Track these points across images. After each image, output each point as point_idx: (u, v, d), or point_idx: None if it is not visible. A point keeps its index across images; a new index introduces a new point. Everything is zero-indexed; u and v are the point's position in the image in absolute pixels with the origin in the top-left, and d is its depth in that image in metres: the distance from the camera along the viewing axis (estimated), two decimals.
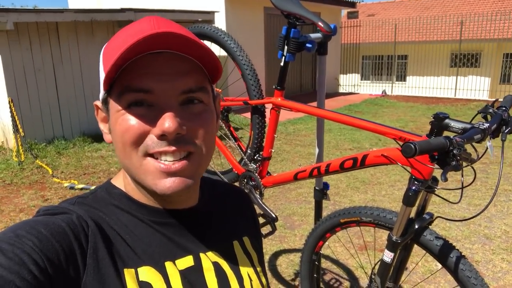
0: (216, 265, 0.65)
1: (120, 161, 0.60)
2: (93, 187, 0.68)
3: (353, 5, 13.04)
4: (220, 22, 8.75)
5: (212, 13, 8.07)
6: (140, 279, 0.56)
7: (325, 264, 2.76)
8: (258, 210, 1.48)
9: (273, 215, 1.70)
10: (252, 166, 1.78)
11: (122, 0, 10.32)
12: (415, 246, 1.35)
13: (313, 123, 7.58)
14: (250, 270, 0.69)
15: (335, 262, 2.81)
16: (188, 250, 0.63)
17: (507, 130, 1.08)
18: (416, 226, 1.25)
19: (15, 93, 5.74)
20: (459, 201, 1.12)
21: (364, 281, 2.59)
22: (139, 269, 0.57)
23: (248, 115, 1.86)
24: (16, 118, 5.63)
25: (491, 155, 1.02)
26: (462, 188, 1.06)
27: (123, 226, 0.59)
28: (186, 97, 0.57)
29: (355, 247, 2.96)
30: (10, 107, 5.64)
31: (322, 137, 1.78)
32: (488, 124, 1.04)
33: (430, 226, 1.31)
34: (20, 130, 5.62)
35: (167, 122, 0.54)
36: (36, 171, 4.95)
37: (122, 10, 6.53)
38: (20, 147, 5.50)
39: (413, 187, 1.16)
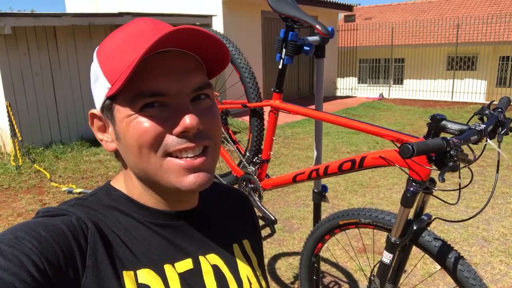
0: (215, 268, 0.64)
1: (133, 165, 0.60)
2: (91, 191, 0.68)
3: (350, 8, 13.11)
4: (217, 26, 8.78)
5: (209, 17, 8.10)
6: (139, 282, 0.56)
7: (324, 266, 2.76)
8: (257, 213, 1.49)
9: (272, 218, 1.71)
10: (251, 168, 1.79)
11: (120, 4, 10.35)
12: (414, 248, 1.36)
13: (311, 127, 7.60)
14: (250, 274, 0.69)
15: (334, 264, 2.81)
16: (188, 253, 0.63)
17: (503, 132, 1.09)
18: (415, 227, 1.26)
19: (13, 97, 5.73)
20: (457, 203, 1.13)
21: (363, 283, 2.59)
22: (138, 272, 0.57)
23: (246, 118, 1.87)
24: (14, 123, 5.62)
25: (499, 151, 1.02)
26: (460, 189, 1.07)
27: (122, 228, 0.59)
28: (196, 94, 0.58)
29: (354, 249, 2.96)
30: (7, 111, 5.63)
31: (321, 140, 1.79)
32: (485, 126, 1.05)
33: (428, 228, 1.32)
34: (18, 135, 5.61)
35: (188, 118, 0.54)
36: (34, 176, 4.93)
37: (120, 14, 6.55)
38: (18, 152, 5.49)
39: (411, 189, 1.17)
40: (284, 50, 1.56)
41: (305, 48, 1.51)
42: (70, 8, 12.65)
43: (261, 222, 1.72)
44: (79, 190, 4.39)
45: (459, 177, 1.07)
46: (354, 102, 11.43)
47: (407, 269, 2.57)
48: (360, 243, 3.05)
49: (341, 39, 14.94)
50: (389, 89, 13.73)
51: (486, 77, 14.26)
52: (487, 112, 1.14)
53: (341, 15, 15.73)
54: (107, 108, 0.59)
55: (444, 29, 14.40)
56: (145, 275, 0.57)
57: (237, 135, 6.28)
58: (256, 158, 1.79)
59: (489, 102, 1.21)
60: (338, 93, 13.97)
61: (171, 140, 0.56)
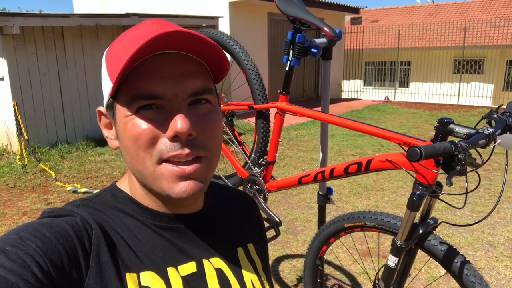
0: (219, 272, 0.64)
1: (130, 166, 0.60)
2: (96, 191, 0.68)
3: (356, 11, 13.09)
4: (224, 27, 8.81)
5: (216, 18, 8.12)
6: (142, 284, 0.56)
7: (328, 269, 2.75)
8: (262, 214, 1.49)
9: (277, 220, 1.71)
10: (256, 170, 1.79)
11: (127, 5, 10.41)
12: (418, 252, 1.35)
13: (316, 129, 7.59)
14: (254, 278, 0.68)
15: (339, 267, 2.80)
16: (191, 256, 0.62)
17: None
18: (421, 231, 1.25)
19: (20, 96, 5.78)
20: (463, 207, 1.12)
21: (367, 286, 2.58)
22: (141, 274, 0.57)
23: (251, 120, 1.87)
24: (20, 122, 5.66)
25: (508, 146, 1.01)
26: (466, 193, 1.06)
27: (126, 230, 0.59)
28: (194, 99, 0.57)
29: (358, 252, 2.95)
30: (14, 111, 5.68)
31: (326, 142, 1.78)
32: (493, 130, 1.04)
33: (434, 232, 1.31)
34: (24, 134, 5.65)
35: (179, 122, 0.54)
36: (39, 175, 4.97)
37: (127, 15, 6.58)
38: (24, 151, 5.53)
39: (418, 192, 1.16)
40: (291, 52, 1.56)
41: (313, 50, 1.51)
42: (78, 9, 12.73)
43: (265, 224, 1.72)
44: (84, 189, 4.41)
45: (466, 181, 1.06)
46: (359, 105, 11.40)
47: (411, 273, 2.55)
48: (365, 246, 3.04)
49: (347, 42, 14.93)
50: (395, 92, 13.68)
51: (493, 81, 14.16)
52: (495, 116, 1.14)
53: (348, 17, 15.72)
54: (110, 106, 0.59)
55: (451, 32, 14.34)
56: (148, 277, 0.57)
57: (242, 136, 6.28)
58: (261, 159, 1.79)
59: (497, 106, 1.20)
60: (344, 96, 13.94)
61: (164, 146, 0.55)
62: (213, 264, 0.64)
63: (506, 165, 1.07)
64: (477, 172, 1.02)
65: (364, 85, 16.37)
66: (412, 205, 1.18)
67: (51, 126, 6.22)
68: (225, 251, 0.67)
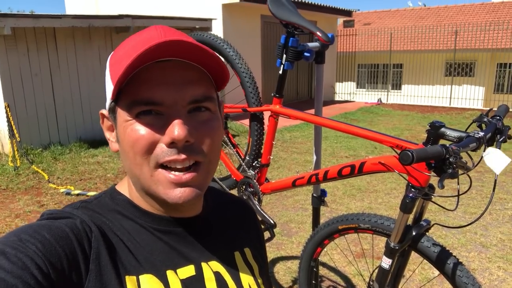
0: (217, 275, 0.64)
1: (129, 170, 0.60)
2: (89, 193, 0.68)
3: (349, 13, 13.18)
4: (217, 29, 8.81)
5: (209, 20, 8.12)
6: (141, 287, 0.56)
7: (323, 271, 2.76)
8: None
9: (272, 221, 1.71)
10: (251, 172, 1.80)
11: (120, 6, 10.37)
12: (412, 254, 1.37)
13: (310, 131, 7.62)
14: (252, 282, 0.69)
15: (333, 269, 2.81)
16: (190, 259, 0.63)
17: (501, 139, 1.11)
18: (414, 233, 1.26)
19: (12, 98, 5.73)
20: (455, 209, 1.14)
21: (362, 285, 2.59)
22: (140, 277, 0.57)
23: (245, 122, 1.88)
24: (12, 123, 5.61)
25: (491, 166, 1.03)
26: (458, 195, 1.08)
27: (126, 233, 0.59)
28: (194, 106, 0.58)
29: (353, 254, 2.97)
30: (6, 112, 5.63)
31: (320, 144, 1.79)
32: (483, 133, 1.06)
33: (427, 233, 1.33)
34: (16, 135, 5.60)
35: (176, 129, 0.54)
36: (32, 177, 4.92)
37: (120, 16, 6.56)
38: (16, 152, 5.48)
39: (410, 194, 1.18)
40: (284, 55, 1.58)
41: (306, 54, 1.53)
42: (70, 10, 12.66)
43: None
44: (77, 191, 4.38)
45: (458, 184, 1.08)
46: (352, 107, 11.47)
47: (405, 274, 2.57)
48: (359, 247, 3.06)
49: (340, 44, 15.01)
50: (388, 94, 13.78)
51: (484, 84, 14.33)
52: (485, 119, 1.15)
53: (340, 20, 15.81)
54: (112, 110, 0.60)
55: (442, 36, 14.49)
56: (147, 280, 0.57)
57: (236, 138, 6.28)
58: (255, 162, 1.80)
59: (487, 110, 1.22)
60: (337, 98, 14.01)
61: (161, 151, 0.56)
62: (212, 268, 0.64)
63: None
64: (468, 175, 1.03)
65: (357, 88, 16.47)
66: (405, 207, 1.19)
67: (43, 128, 6.18)
68: (223, 254, 0.68)
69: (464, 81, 14.34)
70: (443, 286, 2.55)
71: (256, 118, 1.76)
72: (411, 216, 1.28)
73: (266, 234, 1.76)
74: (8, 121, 5.61)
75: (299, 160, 5.80)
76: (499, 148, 1.08)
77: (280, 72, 1.64)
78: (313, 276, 1.77)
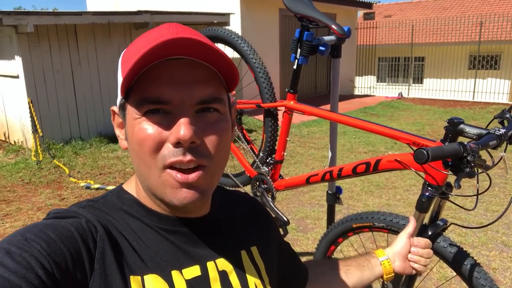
0: (222, 275, 0.64)
1: (137, 169, 0.60)
2: (109, 187, 0.69)
3: (369, 6, 12.93)
4: (235, 24, 8.79)
5: (227, 15, 8.11)
6: (146, 287, 0.56)
7: None
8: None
9: (285, 219, 1.70)
10: (265, 169, 1.78)
11: (140, 2, 10.47)
12: None
13: (327, 126, 7.48)
14: (258, 281, 0.68)
15: None
16: (196, 259, 0.62)
17: None
18: (430, 233, 1.23)
19: (35, 94, 5.87)
20: (474, 208, 1.10)
21: (376, 287, 2.56)
22: (145, 277, 0.57)
23: (261, 117, 1.86)
24: (35, 119, 5.76)
25: (506, 170, 0.99)
26: (478, 194, 1.04)
27: (131, 232, 0.59)
28: (202, 107, 0.57)
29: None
30: (29, 108, 5.78)
31: (336, 140, 1.77)
32: (505, 130, 1.01)
33: (445, 232, 1.29)
34: (39, 130, 5.74)
35: (182, 129, 0.54)
36: (53, 171, 5.05)
37: (139, 12, 6.62)
38: (39, 147, 5.62)
39: (427, 193, 1.14)
40: (299, 50, 1.55)
41: (321, 48, 1.50)
42: (91, 6, 12.87)
43: None
44: (96, 185, 4.46)
45: (477, 183, 1.04)
46: (372, 101, 11.28)
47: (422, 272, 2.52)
48: (374, 245, 3.01)
49: (360, 37, 14.75)
50: (409, 88, 13.50)
51: (510, 77, 13.85)
52: (508, 115, 1.11)
53: (361, 12, 15.54)
54: (122, 107, 0.60)
55: (466, 27, 14.05)
56: (152, 280, 0.57)
57: (252, 134, 6.28)
58: (269, 158, 1.78)
59: (510, 105, 1.17)
60: (356, 92, 13.81)
61: (168, 151, 0.55)
62: (218, 268, 0.64)
63: None
64: (487, 174, 0.99)
65: (377, 82, 16.19)
66: (421, 206, 1.16)
67: (65, 123, 6.31)
68: (229, 254, 0.67)
69: (489, 74, 13.90)
70: (462, 285, 2.48)
71: (270, 114, 1.74)
72: (428, 215, 1.24)
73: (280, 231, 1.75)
74: (31, 116, 5.76)
75: (316, 155, 5.75)
76: None
77: (295, 67, 1.61)
78: None
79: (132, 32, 6.92)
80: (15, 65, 5.82)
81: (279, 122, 1.75)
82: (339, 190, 1.85)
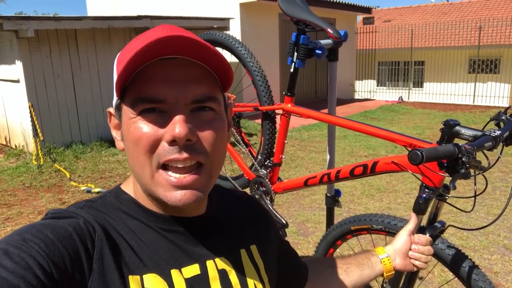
0: (222, 274, 0.64)
1: (132, 169, 0.60)
2: None
3: (368, 10, 12.98)
4: (235, 28, 8.82)
5: (227, 19, 8.14)
6: (145, 287, 0.56)
7: None
8: None
9: (284, 221, 1.70)
10: (263, 172, 1.79)
11: (139, 7, 10.52)
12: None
13: None
14: (257, 280, 0.69)
15: None
16: (195, 258, 0.62)
17: None
18: (428, 235, 1.22)
19: (35, 98, 5.89)
20: (472, 210, 1.10)
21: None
22: (144, 276, 0.56)
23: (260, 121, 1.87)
24: (36, 123, 5.77)
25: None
26: (475, 196, 1.04)
27: (130, 232, 0.59)
28: (197, 106, 0.57)
29: None
30: (30, 112, 5.79)
31: (334, 143, 1.77)
32: (500, 132, 1.02)
33: (443, 235, 1.29)
34: (40, 135, 5.76)
35: (177, 127, 0.54)
36: (54, 175, 5.05)
37: (139, 17, 6.65)
38: (40, 151, 5.63)
39: (424, 195, 1.14)
40: (295, 53, 1.56)
41: (317, 51, 1.50)
42: (92, 11, 12.93)
43: None
44: (97, 189, 4.47)
45: (475, 184, 1.04)
46: (372, 105, 11.29)
47: (423, 275, 2.51)
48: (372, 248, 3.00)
49: (360, 42, 14.79)
50: (409, 92, 13.51)
51: (510, 80, 13.83)
52: (503, 117, 1.11)
53: (360, 17, 15.59)
54: (118, 107, 0.60)
55: (465, 32, 14.07)
56: (151, 280, 0.57)
57: (252, 138, 6.28)
58: (268, 161, 1.79)
59: (506, 107, 1.17)
60: (357, 96, 13.83)
61: (163, 149, 0.56)
62: (217, 267, 0.64)
63: None
64: (483, 175, 0.99)
65: (378, 86, 16.20)
66: (418, 208, 1.16)
67: (65, 127, 6.33)
68: (228, 253, 0.67)
69: (489, 78, 13.89)
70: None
71: (268, 117, 1.75)
72: (426, 218, 1.24)
73: None
74: (32, 120, 5.77)
75: (316, 159, 5.75)
76: None
77: (292, 70, 1.62)
78: None
79: (132, 36, 6.94)
80: (16, 69, 5.84)
81: (277, 125, 1.76)
82: (338, 193, 1.85)
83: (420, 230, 1.23)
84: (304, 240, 3.24)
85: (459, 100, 12.96)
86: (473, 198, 1.04)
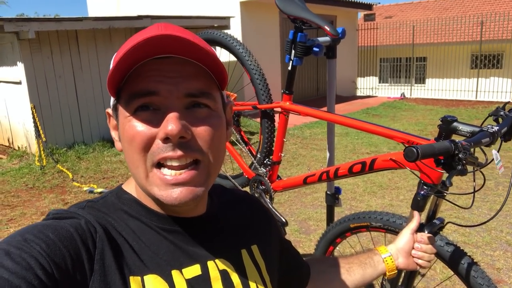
0: (223, 274, 0.64)
1: (130, 169, 0.60)
2: None
3: (369, 7, 12.94)
4: (235, 27, 8.82)
5: (227, 18, 8.13)
6: (146, 287, 0.56)
7: None
8: None
9: (283, 220, 1.70)
10: (262, 170, 1.79)
11: (140, 7, 10.53)
12: None
13: None
14: (258, 280, 0.68)
15: None
16: (196, 258, 0.62)
17: None
18: (426, 232, 1.22)
19: (37, 99, 5.91)
20: (471, 206, 1.09)
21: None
22: (145, 277, 0.56)
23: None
24: (38, 124, 5.79)
25: (497, 167, 0.99)
26: (474, 192, 1.03)
27: (131, 232, 0.59)
28: (191, 101, 0.56)
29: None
30: (32, 113, 5.81)
31: (333, 141, 1.77)
32: (498, 127, 1.01)
33: (442, 232, 1.28)
34: (42, 135, 5.78)
35: (170, 124, 0.53)
36: (57, 175, 5.07)
37: (139, 17, 6.65)
38: (42, 152, 5.65)
39: (422, 192, 1.14)
40: (293, 51, 1.56)
41: (315, 49, 1.50)
42: (93, 11, 12.95)
43: None
44: (100, 190, 4.48)
45: (474, 181, 1.04)
46: (374, 102, 11.26)
47: (424, 272, 2.51)
48: (371, 246, 3.00)
49: (361, 38, 14.74)
50: (411, 89, 13.46)
51: None
52: (502, 113, 1.11)
53: (361, 14, 15.54)
54: (114, 108, 0.61)
55: (467, 27, 14.00)
56: (152, 281, 0.56)
57: (254, 136, 6.28)
58: (267, 159, 1.79)
59: (504, 103, 1.17)
60: (359, 93, 13.79)
61: (157, 147, 0.55)
62: (218, 267, 0.64)
63: None
64: (481, 172, 0.99)
65: (380, 82, 16.16)
66: (417, 205, 1.16)
67: (68, 128, 6.35)
68: (230, 253, 0.67)
69: (491, 73, 13.83)
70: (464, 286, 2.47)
71: (267, 115, 1.75)
72: (424, 214, 1.24)
73: None
74: (34, 122, 5.80)
75: (318, 157, 5.75)
76: None
77: (289, 68, 1.62)
78: None
79: None
80: (17, 71, 5.86)
81: (276, 124, 1.76)
82: (338, 190, 1.85)
83: (418, 227, 1.23)
84: (306, 238, 3.24)
85: (461, 96, 12.91)
86: (479, 195, 1.04)
